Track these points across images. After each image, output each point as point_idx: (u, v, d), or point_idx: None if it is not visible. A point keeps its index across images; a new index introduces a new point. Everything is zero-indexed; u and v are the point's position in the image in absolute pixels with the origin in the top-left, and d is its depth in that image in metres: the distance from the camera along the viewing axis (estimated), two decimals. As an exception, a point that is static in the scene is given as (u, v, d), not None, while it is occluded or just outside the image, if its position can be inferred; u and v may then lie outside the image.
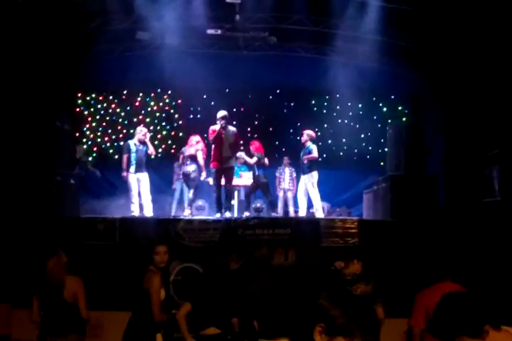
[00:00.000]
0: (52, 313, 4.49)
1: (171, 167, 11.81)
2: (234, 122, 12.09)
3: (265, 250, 6.64)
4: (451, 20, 9.70)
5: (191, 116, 13.61)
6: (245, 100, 13.45)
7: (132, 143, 9.49)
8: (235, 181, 10.73)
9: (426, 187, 9.01)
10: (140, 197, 9.44)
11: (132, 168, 9.33)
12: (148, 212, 9.41)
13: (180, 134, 13.47)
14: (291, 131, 13.40)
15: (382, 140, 11.87)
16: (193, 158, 9.59)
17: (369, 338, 1.89)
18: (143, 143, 9.54)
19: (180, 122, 13.73)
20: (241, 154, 11.54)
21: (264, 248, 6.27)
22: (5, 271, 5.60)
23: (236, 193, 10.64)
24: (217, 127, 8.93)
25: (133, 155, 9.38)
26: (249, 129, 13.58)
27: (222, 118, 8.90)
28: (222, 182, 9.09)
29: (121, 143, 11.50)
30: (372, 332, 1.91)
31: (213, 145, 8.99)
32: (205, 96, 13.42)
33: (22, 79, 10.20)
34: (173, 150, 13.16)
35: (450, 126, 10.74)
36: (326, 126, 13.56)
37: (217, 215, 8.90)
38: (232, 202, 10.38)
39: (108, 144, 13.44)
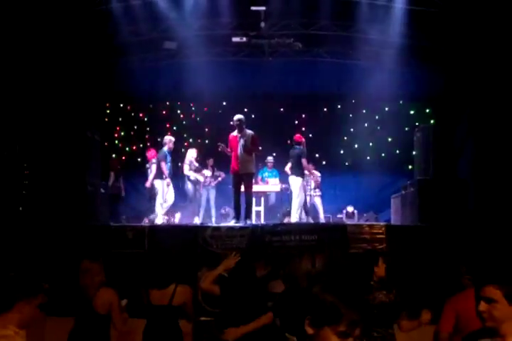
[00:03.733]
0: (83, 324, 4.51)
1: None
2: (261, 128, 12.24)
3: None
4: (477, 20, 9.60)
5: (217, 123, 13.72)
6: (272, 106, 13.50)
7: (166, 152, 9.95)
8: (261, 187, 10.80)
9: (455, 191, 8.87)
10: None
11: (164, 176, 9.88)
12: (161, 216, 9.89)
13: (206, 141, 13.60)
14: (318, 136, 13.37)
15: (410, 143, 11.77)
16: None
17: (354, 326, 1.91)
18: (171, 152, 10.06)
19: (206, 129, 13.85)
20: (270, 158, 11.64)
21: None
22: (39, 278, 5.72)
23: (262, 199, 10.62)
24: (235, 132, 8.78)
25: (167, 164, 9.92)
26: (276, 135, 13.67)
27: (238, 121, 8.70)
28: (242, 188, 8.89)
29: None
30: (361, 320, 1.93)
31: (231, 151, 8.80)
32: (229, 104, 13.53)
33: (53, 90, 10.45)
34: (199, 158, 13.25)
35: (479, 128, 10.58)
36: (352, 130, 13.52)
37: (232, 222, 8.79)
38: (259, 208, 10.40)
39: (135, 153, 13.63)
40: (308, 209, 10.99)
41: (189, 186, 10.76)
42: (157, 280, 4.78)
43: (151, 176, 10.26)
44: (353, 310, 1.93)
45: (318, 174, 11.43)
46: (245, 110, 12.43)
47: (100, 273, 4.57)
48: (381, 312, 4.25)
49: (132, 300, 5.05)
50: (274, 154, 12.02)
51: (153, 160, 10.48)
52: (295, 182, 9.96)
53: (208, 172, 11.05)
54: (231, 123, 8.94)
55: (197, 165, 11.01)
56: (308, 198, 11.26)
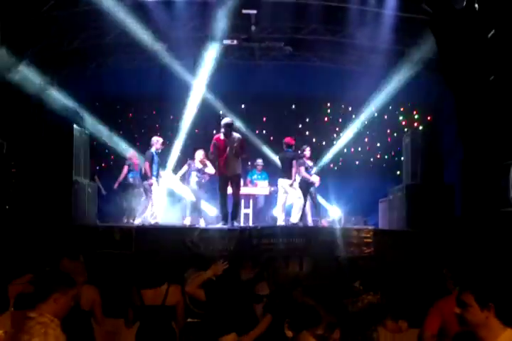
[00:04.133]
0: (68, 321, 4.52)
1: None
2: (249, 130, 12.30)
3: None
4: (467, 28, 9.67)
5: (206, 125, 13.70)
6: (260, 109, 13.51)
7: (154, 153, 9.85)
8: (250, 190, 10.79)
9: (443, 196, 8.94)
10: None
11: (154, 179, 9.81)
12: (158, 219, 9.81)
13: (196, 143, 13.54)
14: (306, 139, 13.39)
15: (399, 148, 11.84)
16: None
17: (332, 329, 1.91)
18: (158, 153, 10.00)
19: (196, 131, 13.80)
20: (260, 160, 11.63)
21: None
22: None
23: (251, 202, 10.61)
24: (221, 136, 8.76)
25: (154, 165, 9.82)
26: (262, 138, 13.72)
27: (226, 125, 8.72)
28: (229, 190, 8.91)
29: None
30: (339, 324, 1.94)
31: (216, 154, 8.78)
32: (219, 105, 13.53)
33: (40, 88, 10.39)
34: (187, 160, 13.21)
35: (466, 134, 10.65)
36: (341, 135, 13.57)
37: (219, 225, 8.78)
38: (247, 210, 10.39)
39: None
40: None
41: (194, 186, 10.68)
42: (150, 280, 4.77)
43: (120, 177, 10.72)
44: (331, 314, 1.94)
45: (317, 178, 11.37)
46: (233, 112, 12.41)
47: (82, 272, 4.56)
48: (370, 313, 4.27)
49: (118, 300, 5.03)
50: (262, 157, 12.01)
51: (128, 162, 10.82)
52: (286, 184, 9.89)
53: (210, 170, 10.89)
54: (220, 128, 8.90)
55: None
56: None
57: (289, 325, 1.96)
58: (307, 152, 10.38)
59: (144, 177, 9.97)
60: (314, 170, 10.88)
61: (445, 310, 4.37)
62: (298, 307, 1.97)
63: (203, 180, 10.29)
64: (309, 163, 10.46)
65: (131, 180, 10.78)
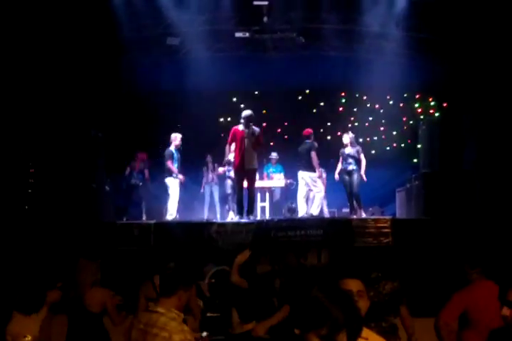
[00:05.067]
0: (76, 322, 4.55)
1: (200, 171, 11.88)
2: (264, 124, 12.24)
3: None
4: (478, 11, 9.53)
5: (221, 119, 13.69)
6: (275, 101, 13.45)
7: (173, 150, 9.85)
8: (266, 183, 10.80)
9: (461, 183, 8.84)
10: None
11: (180, 175, 9.82)
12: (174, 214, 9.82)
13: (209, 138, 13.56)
14: (322, 130, 13.32)
15: (415, 136, 11.72)
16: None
17: (336, 331, 1.86)
18: (179, 149, 9.97)
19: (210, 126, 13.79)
20: (274, 154, 11.62)
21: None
22: (44, 276, 5.74)
23: (267, 195, 10.62)
24: (240, 127, 8.73)
25: (175, 162, 9.83)
26: (279, 130, 13.66)
27: (246, 117, 8.67)
28: (245, 184, 8.87)
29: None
30: (345, 325, 1.89)
31: (234, 146, 8.79)
32: (234, 99, 13.53)
33: (56, 89, 10.46)
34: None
35: (484, 120, 10.53)
36: (356, 124, 13.47)
37: (236, 218, 8.80)
38: (264, 203, 10.40)
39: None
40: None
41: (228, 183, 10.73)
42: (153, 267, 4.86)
43: None
44: (341, 313, 1.88)
45: (323, 169, 11.37)
46: (247, 105, 12.38)
47: (95, 274, 4.59)
48: (391, 299, 4.28)
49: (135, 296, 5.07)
50: (277, 150, 11.98)
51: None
52: (306, 177, 9.81)
53: (221, 169, 10.97)
54: (237, 118, 8.90)
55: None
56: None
57: (297, 324, 1.93)
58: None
59: (168, 174, 9.85)
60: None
61: (469, 299, 4.36)
62: (308, 303, 1.94)
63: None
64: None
65: (132, 181, 10.88)
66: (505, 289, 2.89)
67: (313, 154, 9.69)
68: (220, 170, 10.87)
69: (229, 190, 10.67)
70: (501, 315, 2.82)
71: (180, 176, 9.83)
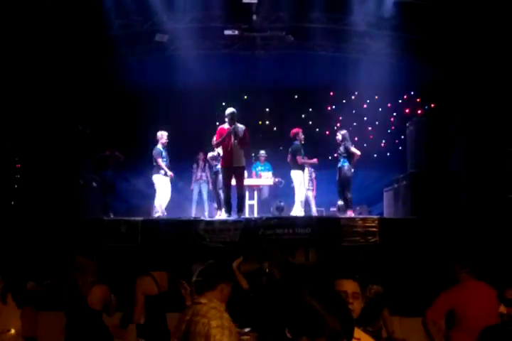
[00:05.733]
0: (77, 320, 4.52)
1: (189, 168, 11.84)
2: (252, 122, 12.23)
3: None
4: (469, 11, 9.59)
5: (210, 117, 13.64)
6: (264, 100, 13.45)
7: (161, 148, 9.90)
8: (254, 181, 10.80)
9: (448, 183, 8.90)
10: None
11: (163, 171, 9.79)
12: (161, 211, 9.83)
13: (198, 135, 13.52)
14: (309, 130, 13.34)
15: (403, 136, 11.78)
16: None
17: (335, 339, 1.78)
18: (165, 147, 10.01)
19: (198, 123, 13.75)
20: (263, 152, 11.63)
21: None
22: (29, 272, 5.70)
23: (256, 193, 10.61)
24: (225, 125, 8.75)
25: (164, 159, 9.84)
26: (267, 128, 13.66)
27: (230, 115, 8.70)
28: (233, 182, 8.90)
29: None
30: (344, 334, 1.81)
31: (221, 144, 8.79)
32: (222, 97, 13.49)
33: (44, 84, 10.37)
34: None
35: (471, 121, 10.61)
36: (345, 123, 13.50)
37: (224, 216, 8.82)
38: (252, 202, 10.39)
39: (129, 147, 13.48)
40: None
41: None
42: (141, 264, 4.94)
43: None
44: (338, 321, 1.80)
45: (312, 169, 11.43)
46: (236, 104, 12.36)
47: (94, 271, 4.57)
48: (376, 303, 4.29)
49: (125, 293, 5.04)
50: (265, 149, 11.99)
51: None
52: (295, 176, 10.03)
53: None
54: (221, 117, 8.90)
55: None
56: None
57: (289, 328, 1.84)
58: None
59: (155, 171, 9.89)
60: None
61: (456, 299, 4.38)
62: (302, 309, 1.85)
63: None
64: None
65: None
66: (500, 288, 2.91)
67: (298, 157, 9.94)
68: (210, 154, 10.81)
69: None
70: (498, 312, 2.84)
71: (170, 173, 9.84)
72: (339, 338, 1.79)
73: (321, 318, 1.79)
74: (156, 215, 9.62)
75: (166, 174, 9.79)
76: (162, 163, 9.76)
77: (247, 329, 4.65)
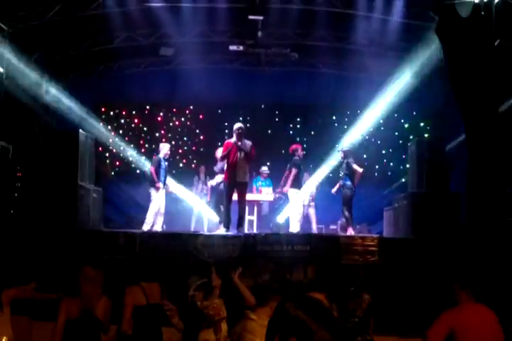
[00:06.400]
0: (78, 328, 4.44)
1: (190, 181, 11.83)
2: (255, 137, 12.26)
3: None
4: (474, 36, 9.64)
5: (212, 131, 13.70)
6: (267, 115, 13.51)
7: (162, 158, 9.83)
8: (254, 196, 10.78)
9: (448, 205, 8.90)
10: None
11: (161, 184, 9.70)
12: (159, 226, 9.75)
13: (201, 149, 13.59)
14: (312, 146, 13.36)
15: (404, 156, 11.80)
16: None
17: None
18: (167, 159, 9.99)
19: (202, 137, 13.83)
20: (265, 168, 11.63)
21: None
22: (26, 282, 5.67)
23: (255, 208, 10.59)
24: (232, 140, 8.74)
25: (162, 171, 9.75)
26: (269, 144, 13.68)
27: (237, 130, 8.70)
28: (235, 197, 8.87)
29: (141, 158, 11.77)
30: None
31: (226, 159, 8.77)
32: (225, 112, 13.55)
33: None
34: (193, 165, 13.24)
35: (473, 143, 10.61)
36: (346, 142, 13.52)
37: (223, 231, 8.75)
38: (251, 217, 10.36)
39: (130, 159, 13.51)
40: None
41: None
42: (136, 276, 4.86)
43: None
44: (325, 330, 1.78)
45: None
46: (240, 118, 12.43)
47: (102, 283, 4.50)
48: (368, 313, 4.28)
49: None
50: (268, 163, 12.00)
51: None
52: (291, 194, 10.00)
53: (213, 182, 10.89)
54: (228, 130, 8.92)
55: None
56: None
57: (279, 338, 1.83)
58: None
59: (151, 183, 9.85)
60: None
61: (456, 320, 4.32)
62: (289, 321, 1.83)
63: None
64: None
65: None
66: (498, 310, 2.88)
67: (292, 170, 9.91)
68: (212, 182, 10.79)
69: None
70: (498, 336, 2.80)
71: (158, 185, 9.65)
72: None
73: (308, 329, 1.78)
74: (147, 228, 9.52)
75: (155, 187, 9.66)
76: (155, 172, 9.65)
77: None
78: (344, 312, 4.36)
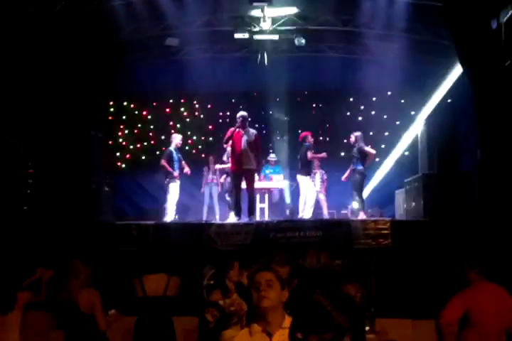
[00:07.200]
0: (71, 326, 4.47)
1: (200, 171, 11.87)
2: (263, 125, 12.25)
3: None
4: (480, 14, 9.50)
5: (221, 120, 13.69)
6: (274, 103, 13.46)
7: (173, 150, 9.78)
8: (265, 184, 10.78)
9: (460, 185, 8.85)
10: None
11: (177, 172, 9.68)
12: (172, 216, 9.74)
13: (210, 139, 13.61)
14: (320, 132, 13.31)
15: (415, 138, 11.70)
16: None
17: (341, 335, 1.83)
18: (179, 148, 9.92)
19: (210, 127, 13.84)
20: (273, 155, 11.62)
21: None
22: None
23: (266, 196, 10.60)
24: (236, 128, 8.69)
25: (175, 163, 9.69)
26: (278, 132, 13.65)
27: (241, 117, 8.67)
28: (243, 185, 8.85)
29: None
30: (350, 329, 1.86)
31: (231, 147, 8.78)
32: (233, 101, 13.53)
33: (56, 90, 10.45)
34: (203, 155, 13.27)
35: (484, 121, 10.50)
36: (356, 126, 13.44)
37: (235, 219, 8.74)
38: (263, 205, 10.38)
39: (140, 151, 13.56)
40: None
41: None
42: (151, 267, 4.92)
43: None
44: (343, 315, 1.85)
45: (323, 171, 11.40)
46: (247, 107, 12.38)
47: (87, 277, 4.50)
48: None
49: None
50: (273, 152, 12.01)
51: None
52: (302, 180, 9.97)
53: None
54: (232, 120, 8.92)
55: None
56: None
57: (299, 329, 1.88)
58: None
59: (166, 174, 9.79)
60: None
61: (471, 301, 4.32)
62: (310, 307, 1.89)
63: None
64: None
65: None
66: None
67: (309, 153, 9.84)
68: (218, 166, 10.84)
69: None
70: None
71: (175, 173, 9.67)
72: (345, 333, 1.83)
73: (327, 313, 1.84)
74: (169, 220, 9.59)
75: (172, 177, 9.64)
76: (167, 164, 9.61)
77: None
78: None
